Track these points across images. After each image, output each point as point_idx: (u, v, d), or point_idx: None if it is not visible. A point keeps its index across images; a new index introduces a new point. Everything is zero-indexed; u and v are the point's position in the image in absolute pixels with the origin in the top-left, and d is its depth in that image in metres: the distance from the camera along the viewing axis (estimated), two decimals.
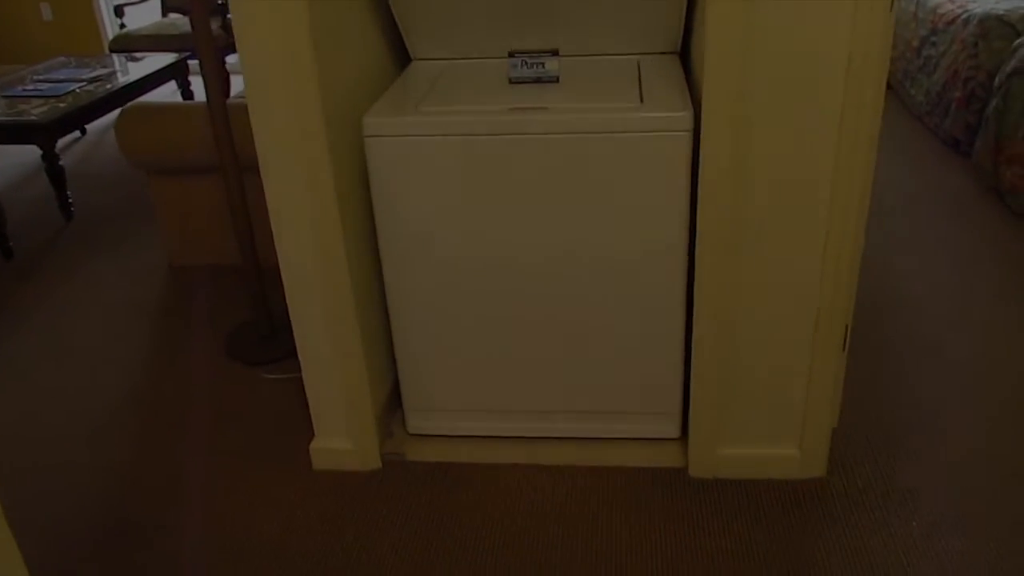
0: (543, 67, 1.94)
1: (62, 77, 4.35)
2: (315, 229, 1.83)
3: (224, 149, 2.42)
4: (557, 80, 1.95)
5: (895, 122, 4.51)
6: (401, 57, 2.22)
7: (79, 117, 3.94)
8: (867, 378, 2.36)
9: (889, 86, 4.92)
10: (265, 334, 2.66)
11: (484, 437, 2.15)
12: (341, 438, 2.08)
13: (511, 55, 1.95)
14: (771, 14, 1.54)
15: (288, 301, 1.94)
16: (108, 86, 4.19)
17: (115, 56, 5.00)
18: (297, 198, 1.81)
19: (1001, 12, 3.81)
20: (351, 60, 1.93)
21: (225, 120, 2.38)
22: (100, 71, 4.46)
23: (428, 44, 2.15)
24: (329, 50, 1.75)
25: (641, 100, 1.81)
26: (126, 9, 5.72)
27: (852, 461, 2.04)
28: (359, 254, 1.95)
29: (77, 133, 5.08)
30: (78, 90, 4.11)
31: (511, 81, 1.96)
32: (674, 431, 2.08)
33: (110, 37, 6.04)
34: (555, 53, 1.93)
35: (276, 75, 1.69)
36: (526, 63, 1.94)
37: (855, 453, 2.07)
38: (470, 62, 2.15)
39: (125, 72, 4.50)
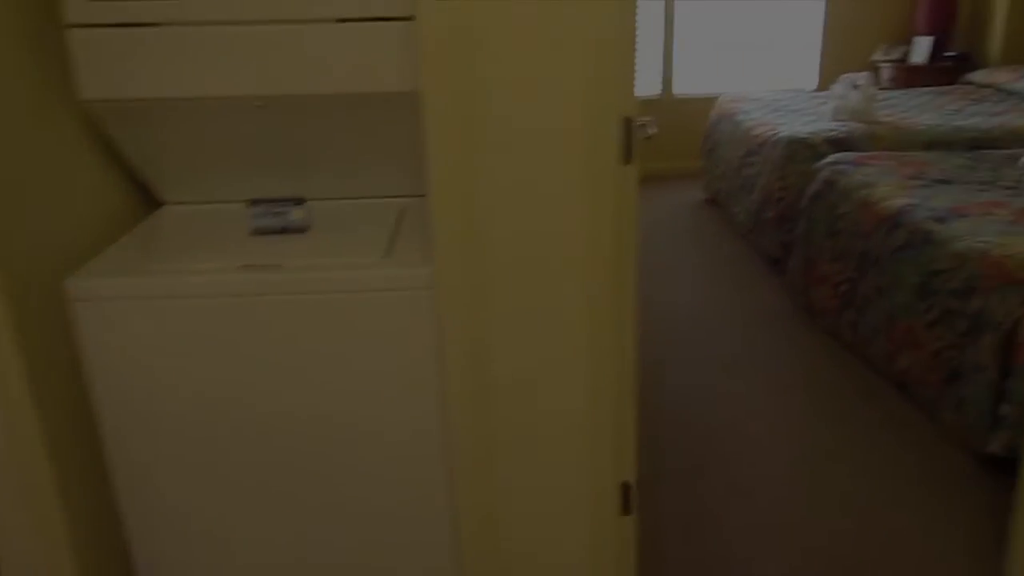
0: (288, 216, 1.78)
1: None
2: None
3: None
4: (304, 230, 1.78)
5: (721, 239, 4.59)
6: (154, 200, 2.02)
7: None
8: (675, 526, 2.23)
9: (716, 203, 5.05)
10: None
11: None
12: None
13: (253, 203, 1.77)
14: (497, 169, 1.44)
15: None
16: None
17: None
18: None
19: (804, 135, 3.96)
20: (77, 206, 1.72)
21: None
22: None
23: (172, 188, 1.96)
24: (23, 200, 1.54)
25: (388, 253, 1.67)
26: None
27: None
28: (70, 425, 1.69)
29: None
30: None
31: (254, 232, 1.78)
32: None
33: None
34: (299, 202, 1.78)
35: None
36: (270, 212, 1.78)
37: None
38: (222, 207, 1.97)
39: None
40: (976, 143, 3.93)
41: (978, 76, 5.13)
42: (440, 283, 1.51)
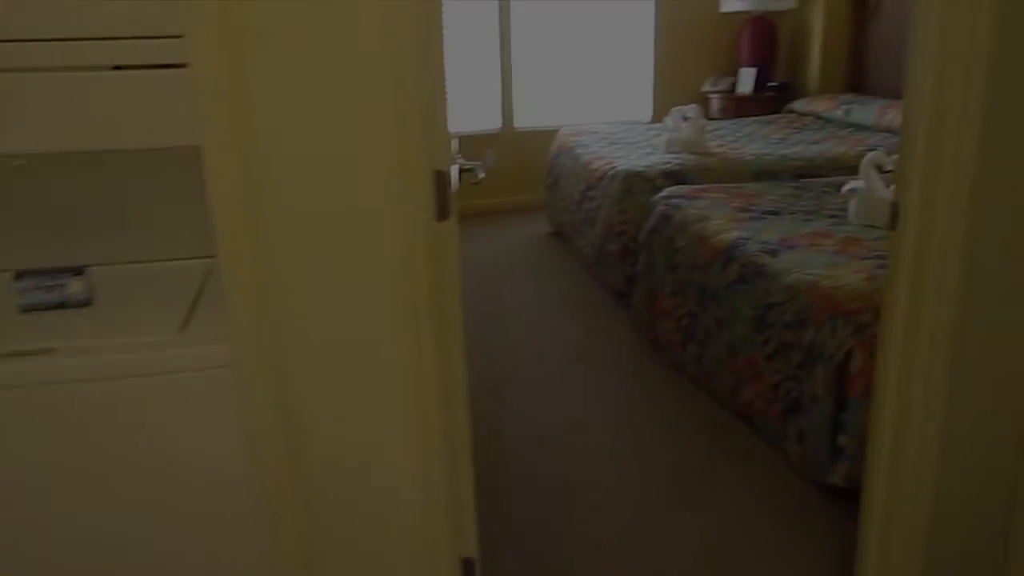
0: (65, 289, 1.55)
1: None
2: None
3: None
4: (86, 304, 1.56)
5: (567, 273, 4.57)
6: None
7: None
8: None
9: (561, 236, 5.04)
10: None
11: None
12: None
13: (20, 275, 1.54)
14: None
15: None
16: None
17: None
18: None
19: (641, 168, 3.99)
20: None
21: None
22: None
23: None
24: None
25: (184, 327, 1.47)
26: None
27: None
28: None
29: None
30: None
31: (23, 310, 1.54)
32: None
33: None
34: (79, 271, 1.55)
35: None
36: (42, 285, 1.54)
37: None
38: None
39: None
40: (800, 171, 4.08)
41: (799, 105, 5.39)
42: (237, 360, 1.33)
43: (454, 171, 1.88)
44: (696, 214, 3.24)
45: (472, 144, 5.84)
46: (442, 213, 1.39)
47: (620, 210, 3.92)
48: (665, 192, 3.60)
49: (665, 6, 5.80)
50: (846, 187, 3.04)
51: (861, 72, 5.50)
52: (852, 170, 4.09)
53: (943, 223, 1.61)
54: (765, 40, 5.68)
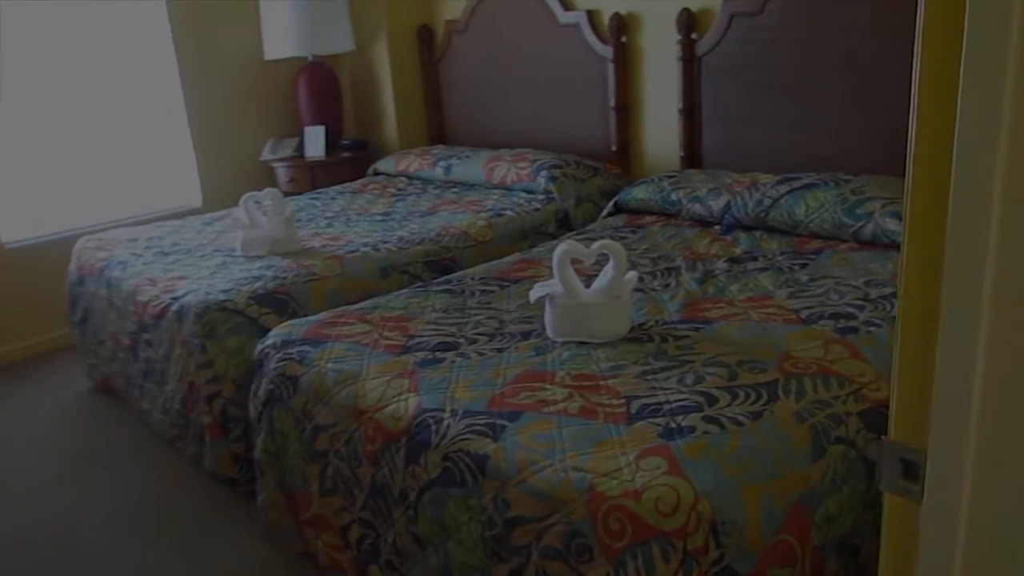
0: None
1: None
2: None
3: None
4: None
5: (139, 452, 3.11)
6: None
7: None
8: None
9: (113, 392, 3.53)
10: None
11: None
12: None
13: None
14: None
15: None
16: None
17: None
18: None
19: (222, 295, 2.74)
20: None
21: None
22: None
23: None
24: None
25: None
26: None
27: None
28: None
29: None
30: None
31: None
32: None
33: None
34: None
35: None
36: None
37: None
38: None
39: None
40: (431, 258, 3.16)
41: (386, 165, 4.50)
42: None
43: None
44: (337, 371, 2.12)
45: None
46: None
47: (204, 363, 2.63)
48: (275, 336, 2.40)
49: (187, 54, 4.51)
50: (535, 293, 2.16)
51: (441, 120, 4.81)
52: (488, 249, 3.31)
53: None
54: (327, 91, 4.70)
